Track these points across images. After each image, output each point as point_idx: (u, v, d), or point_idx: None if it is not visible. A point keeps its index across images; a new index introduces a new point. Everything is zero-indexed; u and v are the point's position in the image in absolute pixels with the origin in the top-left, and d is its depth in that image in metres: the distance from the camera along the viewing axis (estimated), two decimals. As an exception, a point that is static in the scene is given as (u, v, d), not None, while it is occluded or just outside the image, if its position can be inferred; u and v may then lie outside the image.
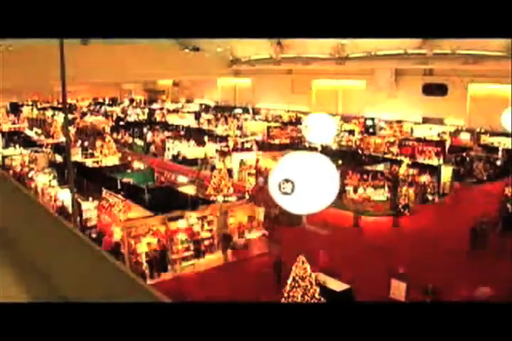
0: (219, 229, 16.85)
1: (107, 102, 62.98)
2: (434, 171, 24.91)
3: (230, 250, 16.71)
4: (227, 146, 32.82)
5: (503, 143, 31.09)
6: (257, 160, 26.56)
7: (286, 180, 10.18)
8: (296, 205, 10.81)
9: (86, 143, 32.62)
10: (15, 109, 52.18)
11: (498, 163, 28.91)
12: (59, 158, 26.37)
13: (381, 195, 22.26)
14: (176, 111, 53.97)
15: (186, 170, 27.44)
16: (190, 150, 32.67)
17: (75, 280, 2.74)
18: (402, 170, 24.33)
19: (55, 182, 21.21)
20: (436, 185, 24.18)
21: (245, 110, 51.55)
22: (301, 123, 40.22)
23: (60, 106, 49.10)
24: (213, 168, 24.87)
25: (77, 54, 30.75)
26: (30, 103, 56.47)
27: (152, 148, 36.01)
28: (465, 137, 34.29)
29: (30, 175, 22.89)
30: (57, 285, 2.68)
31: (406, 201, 21.81)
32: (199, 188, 21.46)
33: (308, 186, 10.22)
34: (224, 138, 34.76)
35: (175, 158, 32.68)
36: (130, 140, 38.81)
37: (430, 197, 23.57)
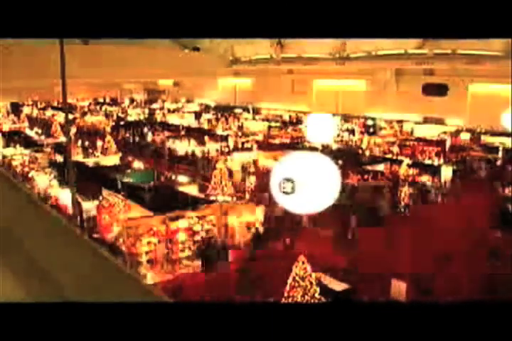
0: (219, 228, 16.87)
1: (107, 102, 63.03)
2: (435, 171, 24.93)
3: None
4: (227, 146, 32.86)
5: (503, 143, 31.12)
6: (257, 160, 26.60)
7: (287, 180, 10.17)
8: (297, 205, 10.80)
9: (86, 143, 32.64)
10: (15, 108, 52.20)
11: (498, 162, 28.93)
12: (59, 158, 26.38)
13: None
14: (176, 111, 54.01)
15: (186, 170, 27.42)
16: (190, 150, 32.69)
17: (75, 280, 2.74)
18: (403, 170, 24.37)
19: (55, 182, 21.22)
20: (437, 184, 24.20)
21: (246, 110, 51.59)
22: (301, 123, 40.34)
23: (60, 105, 49.15)
24: (213, 167, 24.87)
25: (77, 54, 30.75)
26: (30, 103, 56.51)
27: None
28: (465, 137, 34.32)
29: (30, 175, 22.89)
30: (58, 285, 2.68)
31: (406, 201, 21.80)
32: (200, 188, 21.47)
33: (309, 186, 10.21)
34: (224, 138, 34.79)
35: (175, 157, 32.65)
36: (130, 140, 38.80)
37: (431, 197, 23.53)
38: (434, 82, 38.32)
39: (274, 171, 11.09)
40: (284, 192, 10.31)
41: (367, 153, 30.63)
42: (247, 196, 21.64)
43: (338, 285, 13.05)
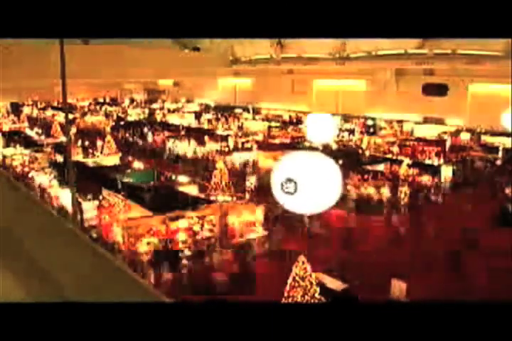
0: (219, 228, 16.87)
1: (107, 102, 63.05)
2: (435, 171, 24.94)
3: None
4: (227, 146, 32.86)
5: (503, 143, 31.13)
6: (257, 160, 26.62)
7: (289, 180, 10.12)
8: (299, 205, 10.74)
9: (86, 143, 32.64)
10: (15, 108, 52.23)
11: (498, 162, 28.95)
12: (59, 158, 26.38)
13: (381, 194, 22.22)
14: (176, 111, 54.04)
15: (186, 170, 27.38)
16: (190, 149, 32.68)
17: (75, 280, 2.74)
18: (403, 170, 24.37)
19: (55, 182, 21.21)
20: (437, 184, 24.20)
21: (246, 110, 51.61)
22: (301, 123, 40.35)
23: (60, 105, 49.16)
24: (213, 167, 24.84)
25: (77, 54, 30.75)
26: (30, 103, 56.54)
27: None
28: (465, 137, 34.33)
29: (30, 175, 22.89)
30: (58, 285, 2.68)
31: (406, 201, 21.80)
32: (200, 188, 21.45)
33: (311, 186, 10.16)
34: (224, 138, 34.79)
35: (175, 157, 32.67)
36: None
37: (432, 197, 23.50)
38: (434, 82, 38.33)
39: (275, 171, 11.05)
40: (286, 193, 10.26)
41: (367, 153, 30.62)
42: (247, 196, 21.63)
43: (338, 285, 13.04)
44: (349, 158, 26.38)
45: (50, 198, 20.28)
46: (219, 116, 48.36)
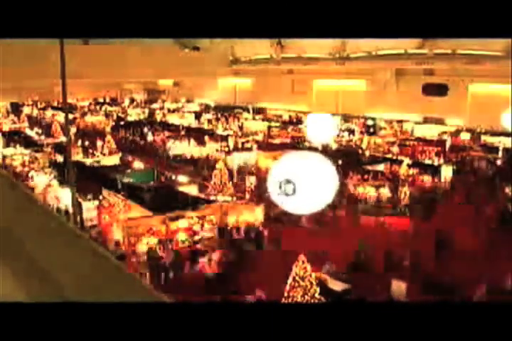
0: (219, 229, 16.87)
1: (107, 102, 63.02)
2: (435, 171, 24.95)
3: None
4: (227, 146, 32.86)
5: (503, 143, 31.13)
6: (257, 160, 26.63)
7: (288, 181, 10.11)
8: (295, 205, 10.75)
9: (86, 143, 32.64)
10: (15, 108, 52.22)
11: (498, 162, 28.95)
12: (59, 158, 26.38)
13: (381, 195, 22.23)
14: (176, 110, 54.03)
15: (187, 170, 27.39)
16: (190, 149, 32.69)
17: (75, 280, 2.74)
18: (403, 170, 24.38)
19: (55, 182, 21.21)
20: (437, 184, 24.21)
21: (246, 110, 51.57)
22: (301, 123, 40.36)
23: (60, 105, 49.15)
24: (213, 167, 24.83)
25: (77, 54, 30.76)
26: (30, 103, 56.53)
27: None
28: (465, 137, 34.33)
29: (30, 175, 22.89)
30: (58, 285, 2.68)
31: (406, 201, 21.80)
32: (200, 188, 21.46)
33: (305, 185, 10.16)
34: (224, 138, 34.79)
35: (175, 158, 32.67)
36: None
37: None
38: (434, 82, 38.32)
39: (272, 172, 11.06)
40: (284, 194, 10.26)
41: (367, 153, 30.62)
42: (247, 196, 21.63)
43: (338, 285, 13.05)
44: (349, 158, 26.40)
45: (50, 198, 20.27)
46: (219, 116, 48.34)
